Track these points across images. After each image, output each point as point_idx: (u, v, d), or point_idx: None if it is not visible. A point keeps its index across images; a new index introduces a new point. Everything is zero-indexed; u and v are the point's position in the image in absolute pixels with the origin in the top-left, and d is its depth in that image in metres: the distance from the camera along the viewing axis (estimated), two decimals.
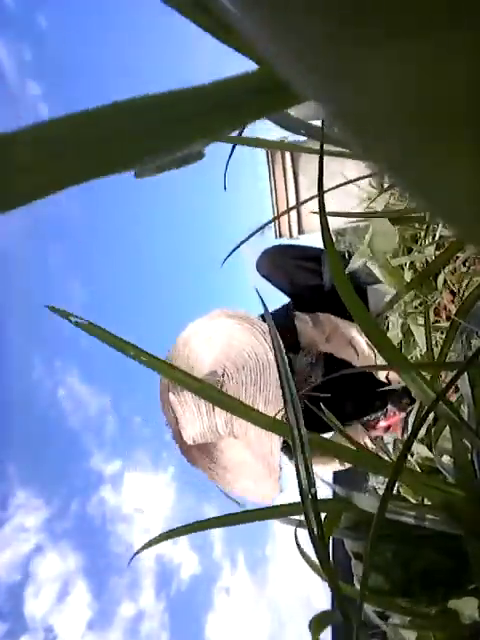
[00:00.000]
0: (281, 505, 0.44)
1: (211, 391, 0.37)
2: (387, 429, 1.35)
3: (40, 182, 0.11)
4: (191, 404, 1.05)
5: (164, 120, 0.11)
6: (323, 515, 0.43)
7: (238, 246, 0.73)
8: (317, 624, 0.39)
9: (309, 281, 1.46)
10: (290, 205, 1.62)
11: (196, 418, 1.05)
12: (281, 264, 1.50)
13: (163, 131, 0.11)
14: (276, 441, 1.02)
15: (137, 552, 0.46)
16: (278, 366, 0.37)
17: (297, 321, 1.34)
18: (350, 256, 1.46)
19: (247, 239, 0.69)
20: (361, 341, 1.30)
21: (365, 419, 1.39)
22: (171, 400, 1.08)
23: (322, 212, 0.36)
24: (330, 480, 0.54)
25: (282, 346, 0.38)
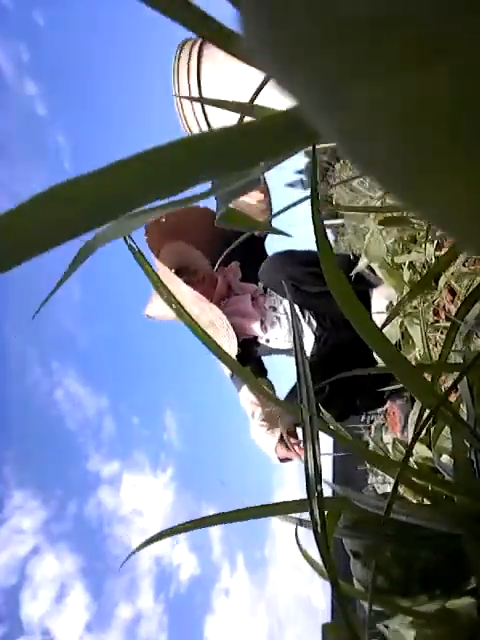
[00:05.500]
0: (284, 502, 0.44)
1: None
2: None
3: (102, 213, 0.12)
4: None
5: (226, 152, 0.12)
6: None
7: (231, 248, 0.72)
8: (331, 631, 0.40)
9: (317, 287, 1.41)
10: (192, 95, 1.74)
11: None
12: (288, 274, 1.43)
13: (226, 162, 0.13)
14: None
15: (136, 550, 0.46)
16: (296, 356, 0.38)
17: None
18: (355, 257, 1.45)
19: (241, 239, 0.68)
20: None
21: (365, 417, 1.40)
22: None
23: (315, 214, 0.36)
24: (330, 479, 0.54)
25: (302, 335, 0.39)
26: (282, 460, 1.35)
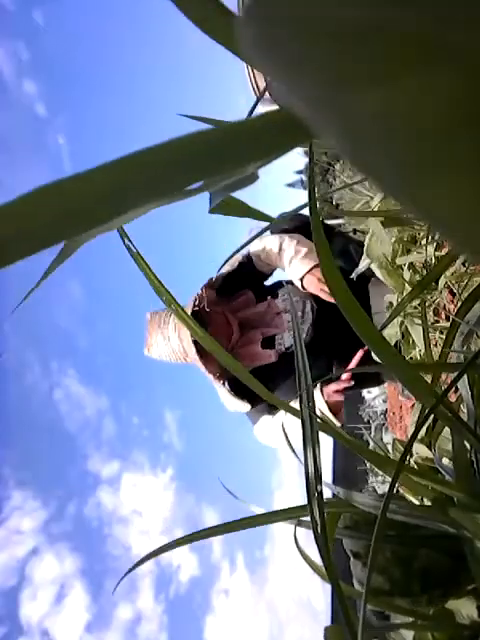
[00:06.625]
0: (285, 509, 0.44)
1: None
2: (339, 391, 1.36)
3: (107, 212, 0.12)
4: (159, 330, 1.39)
5: (217, 150, 0.13)
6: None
7: (240, 249, 0.73)
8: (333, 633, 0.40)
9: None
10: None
11: (163, 343, 1.40)
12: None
13: (217, 160, 0.13)
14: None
15: (138, 564, 0.46)
16: (297, 356, 0.38)
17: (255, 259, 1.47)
18: (356, 252, 1.46)
19: (248, 242, 0.69)
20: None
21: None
22: (147, 319, 1.42)
23: (313, 214, 0.36)
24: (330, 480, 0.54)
25: (302, 337, 0.40)
26: (333, 404, 1.34)
